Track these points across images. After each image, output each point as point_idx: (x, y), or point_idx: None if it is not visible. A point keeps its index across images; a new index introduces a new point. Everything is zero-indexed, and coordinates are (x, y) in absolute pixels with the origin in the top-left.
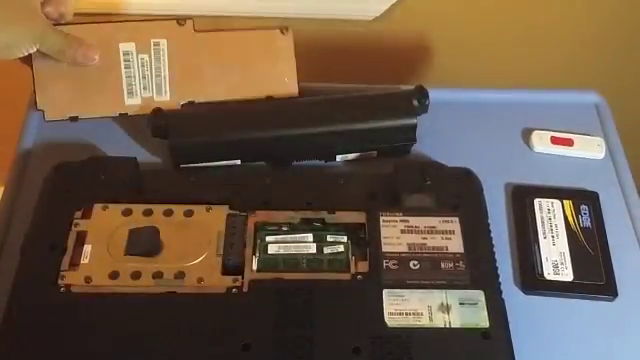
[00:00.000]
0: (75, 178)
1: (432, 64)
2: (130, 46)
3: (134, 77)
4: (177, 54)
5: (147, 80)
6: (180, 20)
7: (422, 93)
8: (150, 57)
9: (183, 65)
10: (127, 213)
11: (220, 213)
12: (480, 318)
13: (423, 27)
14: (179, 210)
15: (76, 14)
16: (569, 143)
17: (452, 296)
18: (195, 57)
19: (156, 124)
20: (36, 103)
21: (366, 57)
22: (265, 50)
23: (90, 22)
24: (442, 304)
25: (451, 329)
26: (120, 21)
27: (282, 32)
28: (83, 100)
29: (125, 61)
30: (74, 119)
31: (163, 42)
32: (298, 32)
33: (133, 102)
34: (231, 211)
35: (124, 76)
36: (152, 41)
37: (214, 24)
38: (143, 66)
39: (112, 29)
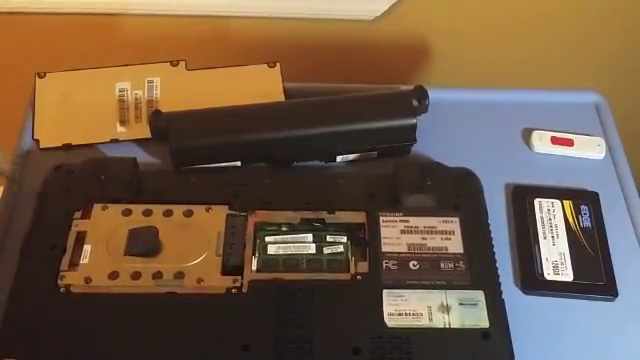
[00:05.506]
0: (75, 178)
1: (432, 64)
2: (126, 84)
3: (127, 109)
4: (169, 90)
5: (139, 111)
6: (173, 62)
7: (422, 93)
8: (144, 92)
9: (175, 99)
10: (127, 213)
11: (220, 213)
12: (480, 318)
13: (423, 27)
14: (179, 210)
15: (84, 14)
16: (569, 143)
17: (452, 296)
18: (186, 92)
19: (157, 126)
20: (33, 132)
21: (366, 57)
22: (254, 84)
23: (90, 67)
24: (442, 304)
25: (451, 329)
26: (118, 66)
27: (270, 66)
28: (77, 129)
29: (120, 95)
30: (67, 146)
31: (157, 79)
32: (298, 32)
33: (124, 130)
34: (231, 211)
35: (118, 108)
36: (146, 79)
37: (214, 24)
38: (137, 99)
39: (111, 73)
